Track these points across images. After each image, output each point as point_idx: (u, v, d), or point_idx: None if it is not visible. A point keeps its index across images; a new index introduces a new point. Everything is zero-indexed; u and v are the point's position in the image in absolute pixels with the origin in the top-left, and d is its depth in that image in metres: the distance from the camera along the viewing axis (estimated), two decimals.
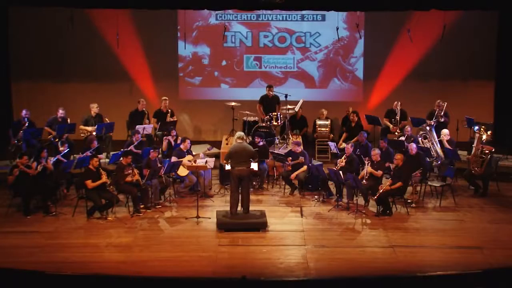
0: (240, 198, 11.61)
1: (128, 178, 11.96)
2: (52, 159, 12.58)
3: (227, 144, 14.71)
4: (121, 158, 12.33)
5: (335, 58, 16.51)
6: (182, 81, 16.60)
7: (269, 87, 15.27)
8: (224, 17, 16.24)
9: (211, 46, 16.42)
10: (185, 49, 16.13)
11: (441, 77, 16.31)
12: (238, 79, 16.58)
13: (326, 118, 15.53)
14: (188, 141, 13.07)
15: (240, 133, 12.11)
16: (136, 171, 12.06)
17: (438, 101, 14.63)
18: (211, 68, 16.56)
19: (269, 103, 15.17)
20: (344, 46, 16.41)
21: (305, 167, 12.98)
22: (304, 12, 16.14)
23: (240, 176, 11.51)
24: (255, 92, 15.90)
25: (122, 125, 14.92)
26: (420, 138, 13.68)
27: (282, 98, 15.01)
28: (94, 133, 13.99)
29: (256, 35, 16.42)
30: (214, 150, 14.68)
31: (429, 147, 13.47)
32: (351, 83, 16.58)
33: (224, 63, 16.54)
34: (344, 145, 13.63)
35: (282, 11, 15.95)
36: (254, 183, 13.42)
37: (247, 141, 14.39)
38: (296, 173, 12.96)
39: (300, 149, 13.19)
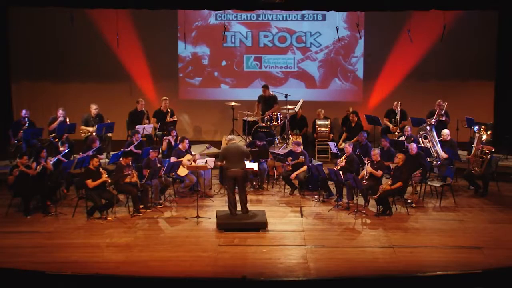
0: (238, 198, 11.61)
1: (127, 179, 11.97)
2: (52, 159, 12.59)
3: (227, 144, 14.70)
4: (121, 159, 12.34)
5: (336, 58, 16.49)
6: (182, 81, 16.59)
7: (264, 87, 15.22)
8: (224, 17, 16.23)
9: (211, 46, 16.41)
10: (185, 49, 16.14)
11: (441, 77, 16.30)
12: (238, 79, 16.57)
13: (325, 118, 15.53)
14: (186, 141, 13.06)
15: (230, 136, 12.15)
16: (135, 172, 12.06)
17: (439, 100, 14.63)
18: (211, 68, 16.55)
19: (266, 102, 15.17)
20: (344, 46, 16.41)
21: (305, 167, 12.98)
22: (304, 12, 16.13)
23: (235, 177, 11.52)
24: (255, 92, 15.88)
25: (122, 125, 14.93)
26: (420, 138, 13.67)
27: (282, 98, 15.00)
28: (94, 134, 13.99)
29: (256, 35, 16.41)
30: (214, 150, 14.67)
31: (429, 147, 13.47)
32: (352, 83, 16.57)
33: (224, 63, 16.53)
34: (344, 145, 13.63)
35: (282, 11, 15.95)
36: (254, 183, 13.44)
37: (247, 140, 14.43)
38: (296, 173, 12.95)
39: (300, 149, 13.19)
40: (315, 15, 16.22)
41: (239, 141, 14.35)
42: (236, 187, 11.58)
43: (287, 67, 16.49)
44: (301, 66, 16.50)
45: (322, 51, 16.44)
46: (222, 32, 15.30)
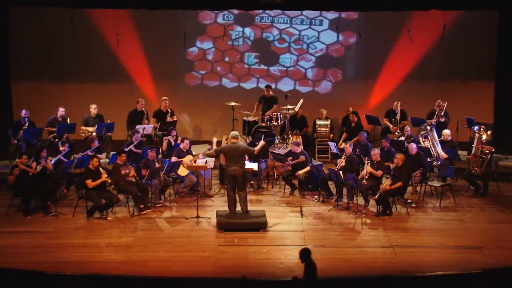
0: (237, 198, 11.62)
1: (127, 177, 11.97)
2: (52, 159, 12.59)
3: (228, 141, 14.69)
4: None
5: (335, 58, 16.48)
6: (182, 81, 16.58)
7: (267, 87, 15.26)
8: (225, 17, 16.21)
9: (211, 45, 16.40)
10: (185, 49, 16.13)
11: (441, 77, 16.29)
12: (239, 79, 16.55)
13: (326, 118, 15.52)
14: (187, 141, 13.06)
15: (234, 133, 12.02)
16: (132, 167, 12.05)
17: (439, 101, 14.64)
18: (211, 68, 16.54)
19: (267, 102, 15.18)
20: (344, 46, 16.40)
21: (308, 167, 12.95)
22: (304, 12, 16.12)
23: (234, 176, 11.51)
24: (255, 92, 15.89)
25: (122, 125, 14.92)
26: (421, 138, 13.67)
27: (281, 98, 15.00)
28: (94, 134, 14.00)
29: (256, 35, 16.38)
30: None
31: (429, 147, 13.47)
32: (351, 83, 16.56)
33: (224, 63, 16.51)
34: (344, 145, 13.62)
35: (283, 12, 15.93)
36: (252, 182, 13.42)
37: (247, 141, 14.42)
38: (302, 171, 12.88)
39: (299, 149, 13.18)
40: (315, 15, 16.22)
41: (239, 141, 14.37)
42: (236, 185, 11.57)
43: (287, 67, 16.46)
44: (301, 66, 16.49)
45: (322, 51, 16.42)
46: (223, 32, 15.33)
